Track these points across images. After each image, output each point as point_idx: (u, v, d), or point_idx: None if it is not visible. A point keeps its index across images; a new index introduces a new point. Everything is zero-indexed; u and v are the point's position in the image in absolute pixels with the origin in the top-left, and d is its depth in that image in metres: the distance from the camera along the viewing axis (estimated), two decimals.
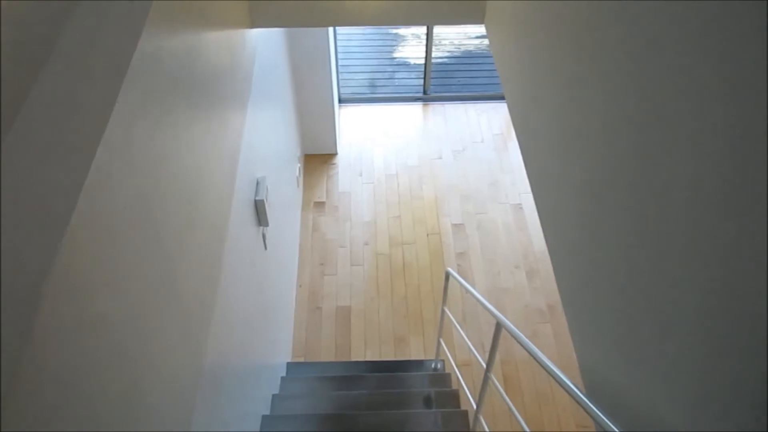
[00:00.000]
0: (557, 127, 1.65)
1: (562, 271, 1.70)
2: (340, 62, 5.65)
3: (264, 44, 2.96)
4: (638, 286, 1.16)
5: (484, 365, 2.27)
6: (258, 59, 2.70)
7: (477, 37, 6.29)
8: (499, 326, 2.09)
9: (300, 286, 4.16)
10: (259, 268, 2.70)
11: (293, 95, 4.36)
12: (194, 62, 1.51)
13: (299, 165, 4.43)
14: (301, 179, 4.62)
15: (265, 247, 2.89)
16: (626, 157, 1.18)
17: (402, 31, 6.33)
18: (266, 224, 2.76)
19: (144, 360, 1.07)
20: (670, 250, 1.02)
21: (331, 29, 4.50)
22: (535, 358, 1.78)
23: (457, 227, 4.51)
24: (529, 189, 4.93)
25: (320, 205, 4.64)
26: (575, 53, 1.45)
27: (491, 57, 6.02)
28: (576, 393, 1.46)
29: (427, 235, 4.46)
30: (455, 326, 3.05)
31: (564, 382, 1.55)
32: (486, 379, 2.28)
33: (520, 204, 4.67)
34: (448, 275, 3.01)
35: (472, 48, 6.18)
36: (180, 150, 1.35)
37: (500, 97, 5.52)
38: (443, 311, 3.20)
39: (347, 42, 6.16)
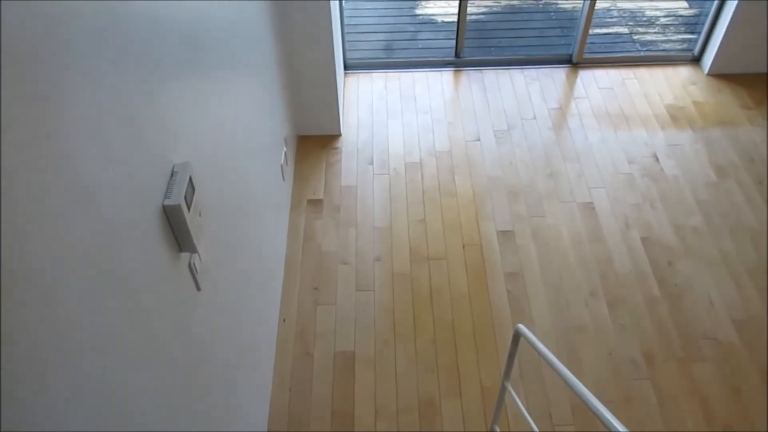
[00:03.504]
0: None
1: None
2: (346, 20, 4.37)
3: None
4: None
5: None
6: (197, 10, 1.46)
7: None
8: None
9: (284, 320, 2.92)
10: (183, 329, 1.46)
11: (278, 58, 3.11)
12: None
13: (285, 150, 3.18)
14: (289, 169, 3.37)
15: (198, 287, 1.65)
16: None
17: None
18: (192, 249, 1.52)
19: None
20: None
21: None
22: None
23: (505, 236, 3.24)
24: (603, 182, 3.68)
25: (316, 204, 3.40)
26: None
27: (541, 11, 4.81)
28: None
29: (464, 246, 3.19)
30: (520, 408, 1.80)
31: None
32: None
33: (590, 203, 3.39)
34: (517, 336, 1.75)
35: (516, 1, 4.88)
36: None
37: (555, 61, 4.23)
38: (504, 387, 1.94)
39: None
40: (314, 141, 3.71)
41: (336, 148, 3.68)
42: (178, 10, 1.53)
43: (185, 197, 1.44)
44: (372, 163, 3.60)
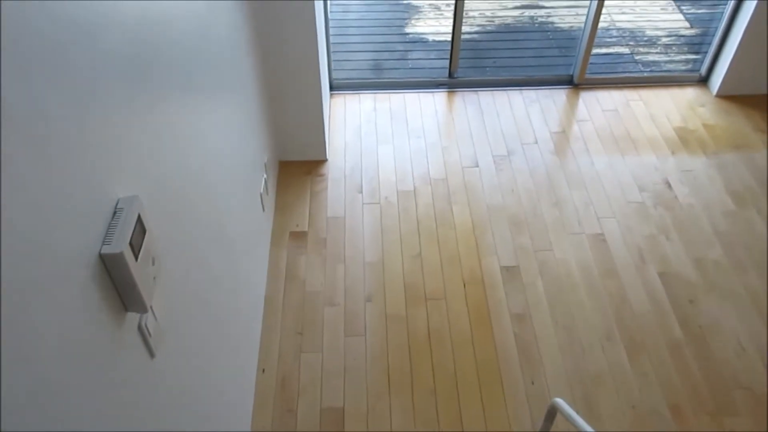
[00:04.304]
0: None
1: None
2: (332, 38, 4.09)
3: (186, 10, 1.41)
4: None
5: None
6: (163, 24, 1.15)
7: (517, 8, 4.75)
8: None
9: (263, 370, 2.57)
10: (132, 406, 1.12)
11: (258, 76, 2.80)
12: None
13: (265, 177, 2.86)
14: (270, 198, 3.04)
15: (152, 353, 1.31)
16: None
17: (416, 1, 4.78)
18: (142, 308, 1.19)
19: None
20: None
21: None
22: None
23: (510, 272, 2.92)
24: (613, 211, 3.36)
25: (299, 237, 3.06)
26: None
27: (538, 30, 4.56)
28: None
29: (464, 284, 2.87)
30: None
31: None
32: None
33: (601, 234, 3.09)
34: (553, 412, 1.42)
35: (510, 21, 4.63)
36: None
37: (555, 81, 3.97)
38: None
39: (343, 14, 4.61)
40: (298, 167, 3.39)
41: (321, 175, 3.36)
42: (123, 16, 1.21)
43: (131, 242, 1.11)
44: (361, 191, 3.28)
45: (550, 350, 2.63)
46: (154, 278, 1.24)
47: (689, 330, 2.71)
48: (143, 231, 1.17)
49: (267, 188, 2.90)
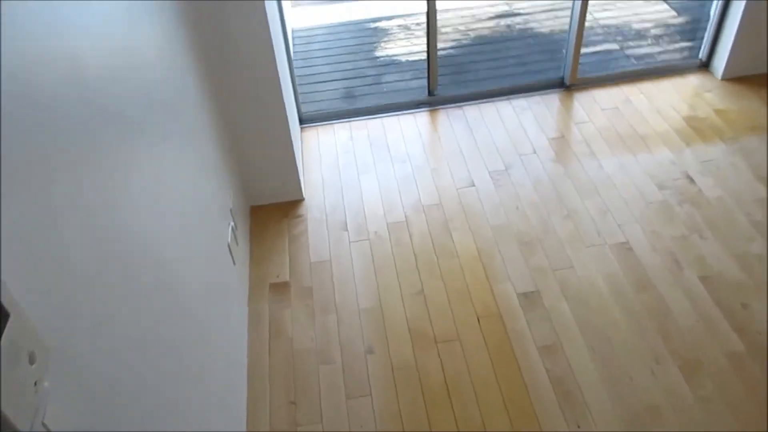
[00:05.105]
0: None
1: None
2: (297, 70, 3.77)
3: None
4: None
5: None
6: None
7: (492, 18, 4.45)
8: None
9: None
10: None
11: (214, 115, 2.44)
12: None
13: (232, 225, 2.46)
14: (241, 249, 2.64)
15: None
16: None
17: (383, 23, 4.48)
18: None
19: None
20: None
21: (276, 26, 2.61)
22: None
23: (528, 299, 2.51)
24: (634, 215, 2.70)
25: (281, 289, 2.65)
26: None
27: (517, 38, 4.23)
28: None
29: (478, 319, 2.45)
30: None
31: None
32: None
33: (625, 242, 2.69)
34: None
35: (486, 32, 4.32)
36: None
37: (545, 86, 3.63)
38: None
39: (306, 45, 4.30)
40: (271, 210, 3.00)
41: (299, 216, 2.97)
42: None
43: None
44: (346, 229, 2.88)
45: (591, 385, 2.20)
46: (37, 383, 0.83)
47: (749, 338, 2.29)
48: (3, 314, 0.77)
49: (236, 238, 2.50)
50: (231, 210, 2.50)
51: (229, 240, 2.37)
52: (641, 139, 3.22)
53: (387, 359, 2.34)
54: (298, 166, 2.96)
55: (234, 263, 2.41)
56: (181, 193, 1.81)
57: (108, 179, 1.27)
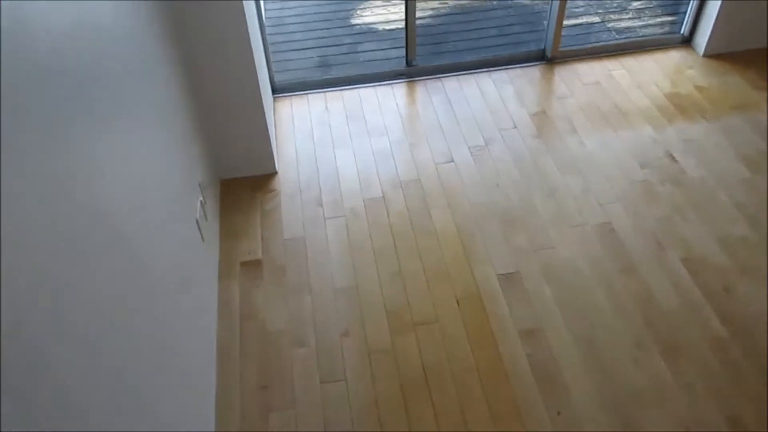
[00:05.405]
0: None
1: None
2: (271, 37, 3.61)
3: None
4: None
5: None
6: None
7: None
8: None
9: None
10: None
11: (179, 87, 2.28)
12: None
13: (201, 199, 2.33)
14: (211, 225, 2.51)
15: None
16: None
17: None
18: None
19: None
20: None
21: None
22: None
23: (510, 280, 2.44)
24: (616, 195, 2.54)
25: (253, 266, 2.53)
26: None
27: (497, 8, 4.09)
28: None
29: (458, 301, 2.38)
30: None
31: None
32: None
33: (608, 223, 2.63)
34: None
35: (465, 2, 4.19)
36: None
37: (526, 59, 3.53)
38: None
39: (280, 11, 4.12)
40: (243, 184, 2.87)
41: (273, 191, 2.84)
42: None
43: None
44: (321, 205, 2.77)
45: (572, 370, 2.15)
46: None
47: (731, 323, 2.26)
48: None
49: (206, 213, 2.37)
50: (200, 184, 2.36)
51: (198, 215, 2.24)
52: (623, 115, 3.15)
53: (363, 342, 2.25)
54: (270, 137, 2.82)
55: (203, 240, 2.29)
56: (144, 165, 1.68)
57: (60, 148, 1.14)
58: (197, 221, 2.21)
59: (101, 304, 1.22)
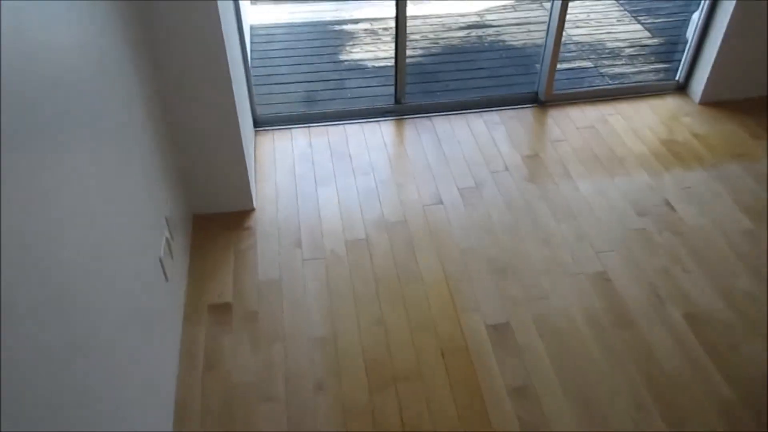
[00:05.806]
0: None
1: None
2: (255, 70, 3.48)
3: None
4: None
5: None
6: None
7: (462, 28, 4.24)
8: None
9: None
10: None
11: (148, 116, 2.12)
12: None
13: (167, 236, 2.14)
14: (177, 264, 2.32)
15: None
16: None
17: (349, 26, 4.23)
18: None
19: None
20: None
21: (230, 20, 2.32)
22: None
23: (499, 331, 2.26)
24: (612, 243, 2.32)
25: (222, 310, 2.33)
26: None
27: (488, 50, 4.00)
28: None
29: (443, 354, 2.19)
30: None
31: None
32: None
33: (603, 272, 2.47)
34: None
35: (457, 42, 4.11)
36: None
37: (518, 101, 3.42)
38: None
39: (266, 44, 4.01)
40: (217, 220, 2.69)
41: (248, 229, 2.66)
42: None
43: None
44: (300, 246, 2.59)
45: (565, 428, 1.95)
46: None
47: (739, 385, 2.09)
48: None
49: (171, 250, 2.18)
50: (167, 218, 2.18)
51: (162, 253, 2.05)
52: (618, 161, 3.03)
53: (339, 398, 2.05)
54: (249, 172, 2.66)
55: (167, 280, 2.10)
56: (97, 198, 1.50)
57: None
58: (161, 260, 2.03)
59: (34, 351, 1.02)
